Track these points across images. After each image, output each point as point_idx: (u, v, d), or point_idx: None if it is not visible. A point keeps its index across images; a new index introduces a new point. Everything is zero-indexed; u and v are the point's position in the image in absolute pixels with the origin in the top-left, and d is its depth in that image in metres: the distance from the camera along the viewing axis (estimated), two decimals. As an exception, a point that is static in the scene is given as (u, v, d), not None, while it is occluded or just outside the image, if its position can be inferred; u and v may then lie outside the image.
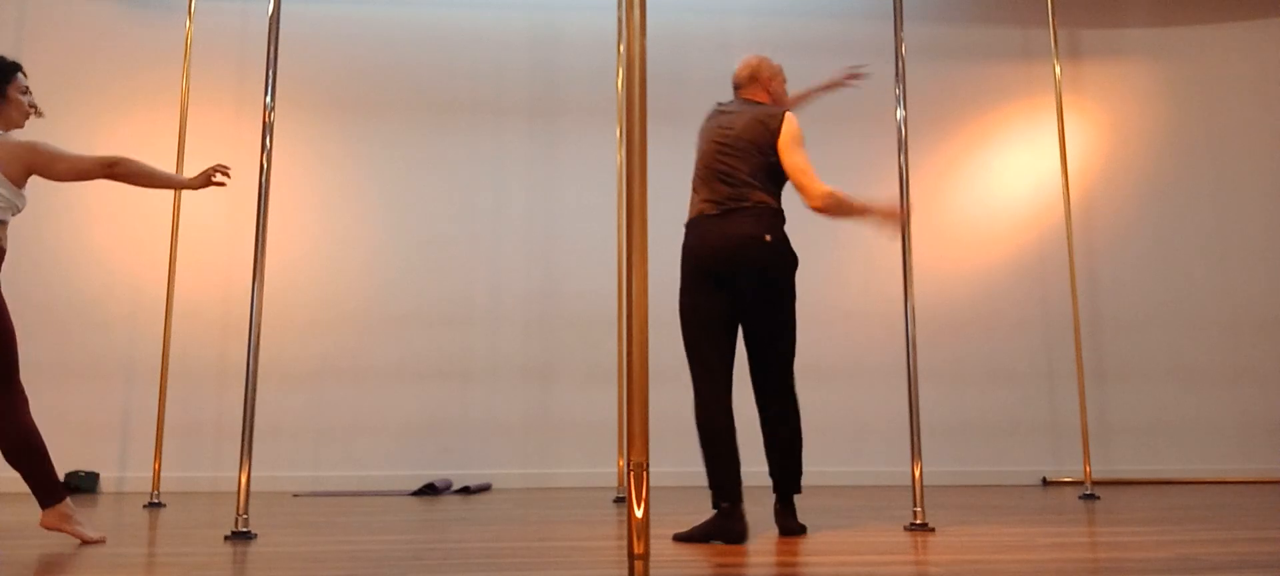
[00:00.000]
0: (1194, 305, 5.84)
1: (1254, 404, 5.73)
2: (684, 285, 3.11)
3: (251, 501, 3.01)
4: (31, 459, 2.82)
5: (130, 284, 5.33)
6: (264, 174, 3.22)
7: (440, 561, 2.43)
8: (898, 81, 3.65)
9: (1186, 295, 5.85)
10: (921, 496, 3.18)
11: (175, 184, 3.04)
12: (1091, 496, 4.58)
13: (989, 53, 6.08)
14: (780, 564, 2.39)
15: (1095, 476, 5.02)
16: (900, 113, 3.62)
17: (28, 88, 3.01)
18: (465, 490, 5.07)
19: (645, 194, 1.89)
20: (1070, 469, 5.53)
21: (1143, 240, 5.91)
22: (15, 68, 2.99)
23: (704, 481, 5.41)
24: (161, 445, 4.53)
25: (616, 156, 4.97)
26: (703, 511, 3.95)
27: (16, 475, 5.04)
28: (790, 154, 3.12)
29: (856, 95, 5.82)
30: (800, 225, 5.88)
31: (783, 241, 3.08)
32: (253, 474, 3.05)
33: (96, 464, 5.14)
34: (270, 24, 3.31)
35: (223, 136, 5.58)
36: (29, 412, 2.86)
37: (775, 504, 3.12)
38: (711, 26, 5.98)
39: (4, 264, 2.87)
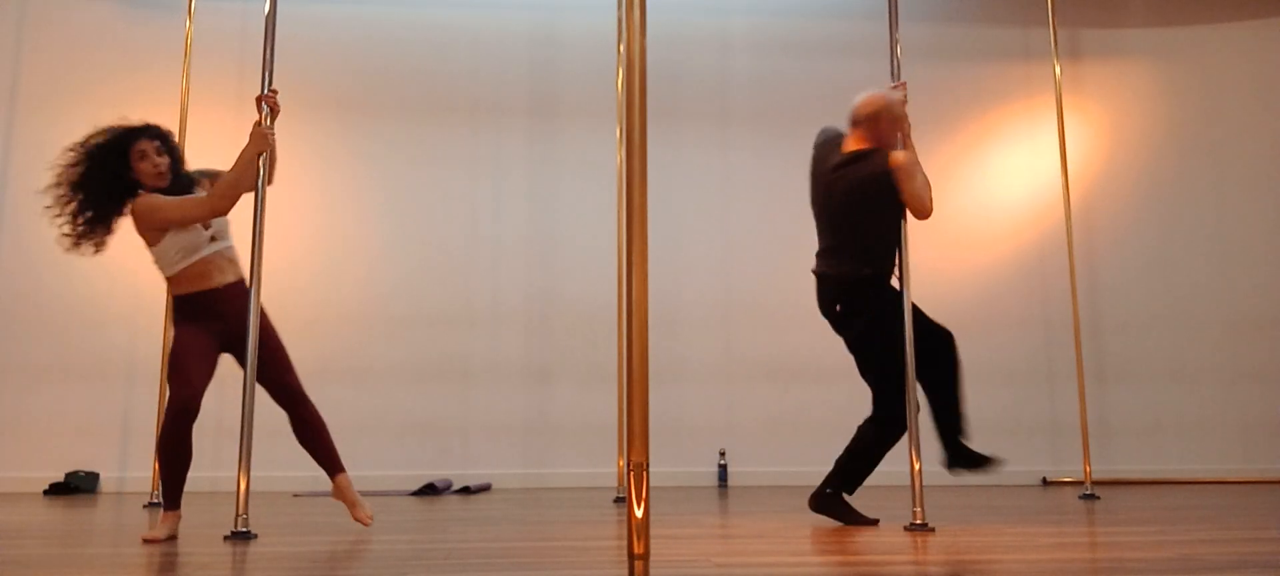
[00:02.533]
0: (1194, 305, 5.84)
1: (1254, 404, 5.73)
2: None
3: (251, 501, 3.01)
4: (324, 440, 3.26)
5: (130, 284, 5.33)
6: (263, 173, 3.22)
7: (440, 561, 2.43)
8: (894, 79, 3.66)
9: (1186, 295, 5.85)
10: (921, 496, 3.18)
11: (246, 171, 3.18)
12: (1091, 496, 4.58)
13: (989, 53, 6.07)
14: (780, 563, 2.39)
15: (1095, 476, 5.01)
16: (900, 113, 3.62)
17: (145, 152, 3.13)
18: (465, 490, 5.07)
19: (645, 194, 1.89)
20: (1070, 469, 5.52)
21: (1143, 240, 5.91)
22: (130, 137, 3.13)
23: (703, 481, 5.42)
24: (161, 445, 4.52)
25: (616, 156, 4.97)
26: (701, 510, 3.95)
27: (28, 475, 5.04)
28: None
29: (857, 95, 5.81)
30: (801, 223, 5.87)
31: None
32: (253, 474, 3.05)
33: (96, 464, 5.14)
34: (266, 23, 3.31)
35: (223, 136, 5.56)
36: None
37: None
38: (711, 26, 5.98)
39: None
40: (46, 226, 3.24)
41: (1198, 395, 5.75)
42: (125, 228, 3.23)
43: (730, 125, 5.88)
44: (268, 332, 3.19)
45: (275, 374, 3.19)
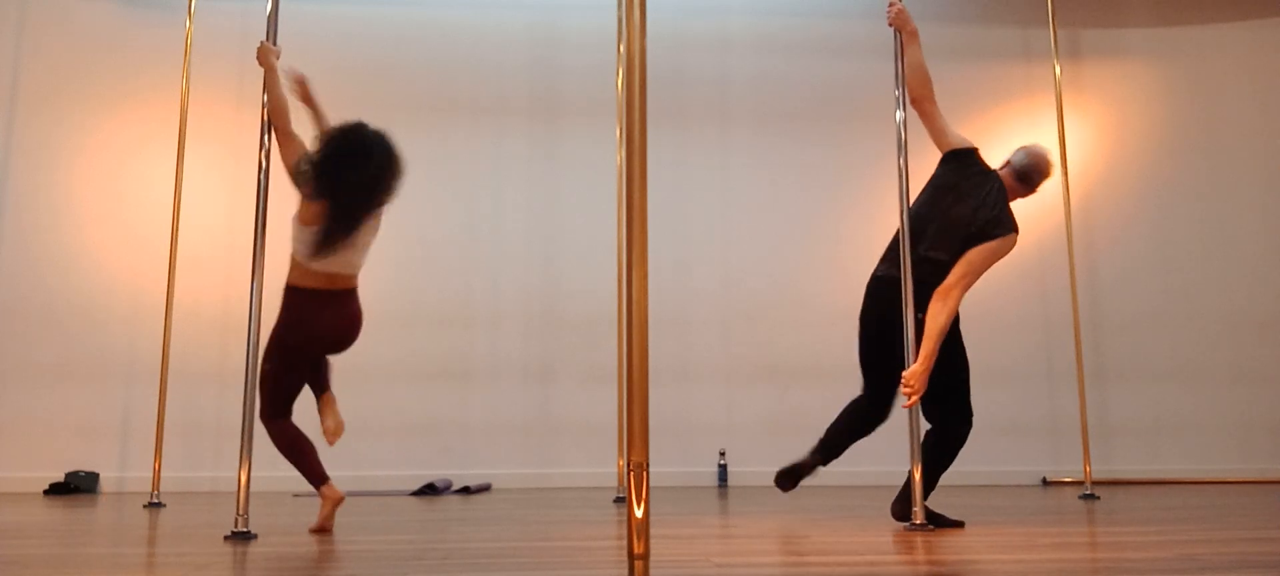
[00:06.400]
0: (1194, 305, 5.84)
1: (1254, 404, 5.73)
2: None
3: (251, 501, 3.01)
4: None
5: (130, 284, 5.33)
6: (264, 173, 3.22)
7: (440, 561, 2.43)
8: (898, 82, 3.66)
9: (1186, 295, 5.85)
10: (921, 496, 3.18)
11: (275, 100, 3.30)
12: (1091, 496, 4.58)
13: (989, 53, 6.07)
14: (780, 563, 2.38)
15: (1095, 476, 5.01)
16: (900, 114, 3.63)
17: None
18: (465, 490, 5.07)
19: (645, 194, 1.89)
20: (1070, 469, 5.52)
21: (1143, 240, 5.91)
22: None
23: (703, 481, 5.41)
24: (161, 445, 4.52)
25: (616, 156, 4.97)
26: (701, 510, 3.95)
27: (28, 475, 5.04)
28: None
29: (857, 95, 5.81)
30: (801, 223, 5.88)
31: None
32: (253, 474, 3.05)
33: (96, 464, 5.14)
34: (269, 23, 3.31)
35: (223, 136, 5.58)
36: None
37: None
38: (711, 26, 5.98)
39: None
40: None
41: (1198, 395, 5.75)
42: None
43: (730, 125, 5.88)
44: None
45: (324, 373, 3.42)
